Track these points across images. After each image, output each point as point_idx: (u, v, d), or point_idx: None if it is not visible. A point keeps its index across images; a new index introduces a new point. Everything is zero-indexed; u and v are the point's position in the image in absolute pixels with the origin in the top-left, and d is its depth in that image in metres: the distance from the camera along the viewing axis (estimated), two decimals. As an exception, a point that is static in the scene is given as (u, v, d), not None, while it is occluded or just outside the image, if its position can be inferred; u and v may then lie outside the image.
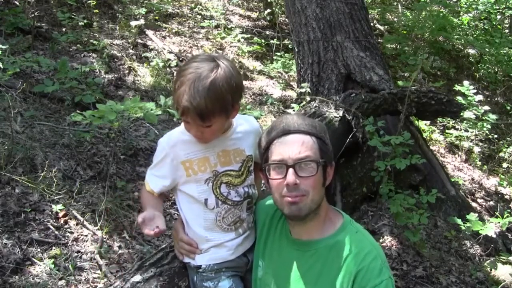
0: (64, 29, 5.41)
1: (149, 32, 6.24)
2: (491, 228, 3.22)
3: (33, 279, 2.45)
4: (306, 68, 4.54)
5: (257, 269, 1.74)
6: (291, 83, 6.07)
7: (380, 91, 3.88)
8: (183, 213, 1.75)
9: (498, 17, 8.50)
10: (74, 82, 3.91)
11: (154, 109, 3.00)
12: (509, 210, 3.95)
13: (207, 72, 1.47)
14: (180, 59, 5.79)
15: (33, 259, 2.57)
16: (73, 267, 2.58)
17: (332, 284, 1.53)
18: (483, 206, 4.77)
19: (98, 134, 3.69)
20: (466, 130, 5.70)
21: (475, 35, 7.83)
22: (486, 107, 5.19)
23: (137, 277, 1.80)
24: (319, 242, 1.60)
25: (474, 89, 5.11)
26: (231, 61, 1.59)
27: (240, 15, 8.06)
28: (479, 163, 5.72)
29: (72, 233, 2.83)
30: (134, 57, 5.53)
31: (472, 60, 8.10)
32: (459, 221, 3.47)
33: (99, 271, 2.64)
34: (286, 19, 6.97)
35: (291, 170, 1.51)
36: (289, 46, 6.55)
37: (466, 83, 5.16)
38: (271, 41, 6.75)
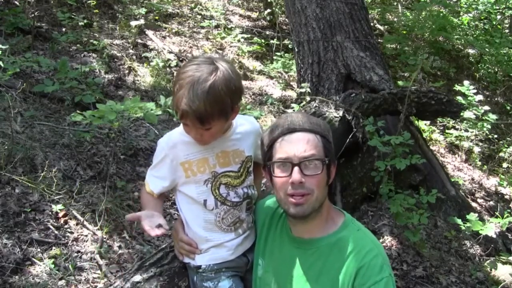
0: (64, 29, 5.42)
1: (149, 32, 6.24)
2: (491, 228, 3.22)
3: (33, 279, 2.45)
4: (306, 68, 4.54)
5: (257, 268, 1.74)
6: (291, 83, 6.07)
7: (380, 91, 3.88)
8: (183, 213, 1.75)
9: (498, 17, 8.50)
10: (74, 82, 3.91)
11: (154, 109, 3.00)
12: (509, 210, 3.95)
13: (206, 75, 1.47)
14: (180, 59, 5.79)
15: (33, 259, 2.57)
16: (73, 267, 2.58)
17: (334, 281, 1.54)
18: (483, 206, 4.77)
19: (98, 134, 3.69)
20: (466, 130, 5.70)
21: (475, 35, 7.82)
22: (486, 107, 5.20)
23: (137, 277, 1.80)
24: (320, 240, 1.60)
25: (474, 89, 5.11)
26: (230, 63, 1.59)
27: (240, 15, 8.06)
28: (479, 163, 5.71)
29: (72, 233, 2.83)
30: (134, 57, 5.53)
31: (472, 60, 8.10)
32: (459, 221, 3.47)
33: (99, 271, 2.64)
34: (286, 19, 6.97)
35: (296, 169, 1.51)
36: (289, 46, 6.55)
37: (466, 83, 5.16)
38: (271, 41, 6.75)
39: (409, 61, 6.65)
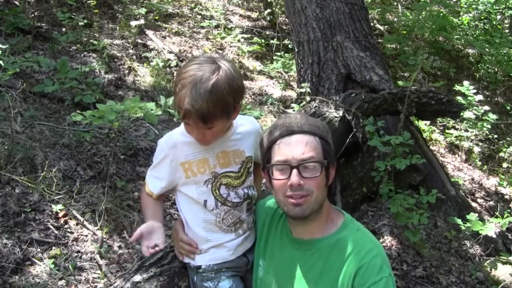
0: (64, 29, 5.41)
1: (149, 32, 6.24)
2: (491, 228, 3.22)
3: (33, 279, 2.45)
4: (306, 68, 4.53)
5: (257, 268, 1.74)
6: (291, 83, 6.07)
7: (380, 91, 3.88)
8: (183, 213, 1.75)
9: (498, 17, 8.50)
10: (74, 82, 3.91)
11: (154, 109, 3.00)
12: (509, 210, 3.95)
13: (208, 75, 1.46)
14: (180, 59, 5.79)
15: (33, 259, 2.57)
16: (73, 267, 2.58)
17: (334, 282, 1.54)
18: (483, 206, 4.77)
19: (98, 134, 3.69)
20: (466, 130, 5.70)
21: (475, 35, 7.82)
22: (486, 107, 5.20)
23: (137, 277, 1.80)
24: (320, 241, 1.60)
25: (474, 89, 5.11)
26: (231, 62, 1.59)
27: (240, 15, 8.05)
28: (479, 163, 5.71)
29: (72, 233, 2.83)
30: (134, 57, 5.53)
31: (472, 60, 8.10)
32: (459, 221, 3.46)
33: (99, 271, 2.64)
34: (286, 19, 6.97)
35: (295, 171, 1.51)
36: (289, 46, 6.55)
37: (466, 83, 5.16)
38: (271, 41, 6.75)
39: (409, 61, 6.65)
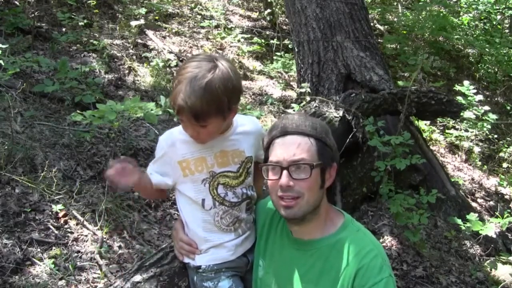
0: (64, 29, 5.41)
1: (149, 32, 6.24)
2: (491, 228, 3.22)
3: (33, 279, 2.45)
4: (306, 68, 4.54)
5: (257, 268, 1.74)
6: (291, 83, 6.07)
7: (380, 91, 3.88)
8: (183, 213, 1.75)
9: (498, 17, 8.50)
10: (74, 82, 3.91)
11: (154, 109, 3.00)
12: (509, 210, 3.96)
13: (204, 72, 1.47)
14: (180, 59, 5.79)
15: (33, 259, 2.57)
16: (73, 267, 2.58)
17: (334, 283, 1.54)
18: (483, 206, 4.77)
19: (98, 134, 3.69)
20: (466, 130, 5.70)
21: (475, 35, 7.82)
22: (486, 107, 5.20)
23: (137, 277, 1.80)
24: (320, 242, 1.60)
25: (474, 89, 5.11)
26: (231, 62, 1.59)
27: (240, 15, 8.05)
28: (479, 163, 5.71)
29: (72, 233, 2.83)
30: (134, 57, 5.53)
31: (472, 60, 8.10)
32: (459, 221, 3.47)
33: (99, 271, 2.64)
34: (286, 19, 6.97)
35: (285, 172, 1.52)
36: (289, 46, 6.55)
37: (466, 83, 5.17)
38: (271, 41, 6.75)
39: (409, 61, 6.65)
